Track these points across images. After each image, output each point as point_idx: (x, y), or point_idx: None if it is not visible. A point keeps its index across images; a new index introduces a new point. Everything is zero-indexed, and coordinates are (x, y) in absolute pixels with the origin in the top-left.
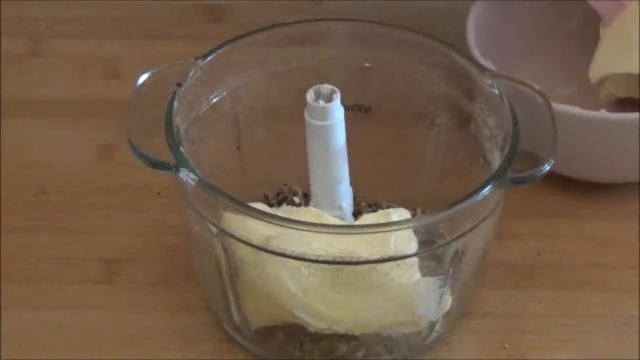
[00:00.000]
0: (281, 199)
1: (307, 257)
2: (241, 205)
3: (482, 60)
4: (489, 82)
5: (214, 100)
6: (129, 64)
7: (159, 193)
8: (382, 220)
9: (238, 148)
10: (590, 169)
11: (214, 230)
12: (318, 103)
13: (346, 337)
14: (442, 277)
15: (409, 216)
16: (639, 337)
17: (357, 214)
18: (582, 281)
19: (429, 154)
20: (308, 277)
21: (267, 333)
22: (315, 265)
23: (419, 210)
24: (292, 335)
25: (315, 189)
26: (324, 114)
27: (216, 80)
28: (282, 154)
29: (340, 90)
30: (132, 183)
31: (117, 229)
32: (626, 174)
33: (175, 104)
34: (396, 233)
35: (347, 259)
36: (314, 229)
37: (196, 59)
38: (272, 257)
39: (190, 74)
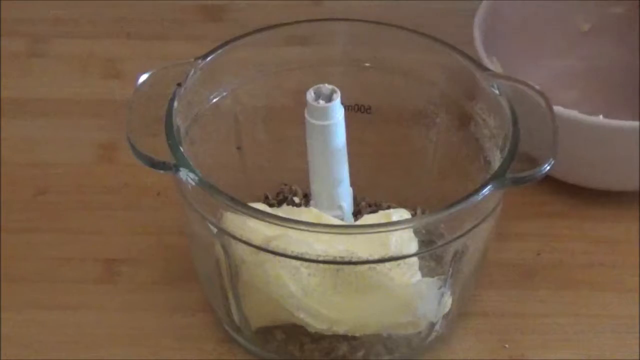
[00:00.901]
0: (281, 199)
1: (307, 257)
2: (241, 205)
3: (487, 60)
4: (489, 82)
5: (214, 100)
6: (129, 64)
7: (159, 193)
8: (382, 221)
9: (238, 148)
10: (588, 176)
11: (214, 230)
12: (318, 103)
13: (346, 337)
14: (442, 277)
15: (409, 216)
16: (639, 337)
17: (357, 214)
18: (582, 281)
19: (429, 154)
20: (308, 277)
21: (267, 333)
22: (315, 265)
23: (419, 210)
24: (292, 335)
25: (316, 189)
26: (324, 114)
27: (216, 80)
28: (282, 154)
29: (340, 90)
30: (132, 183)
31: (117, 229)
32: (625, 183)
33: (175, 104)
34: (396, 233)
35: (347, 259)
36: (315, 229)
37: (196, 59)
38: (272, 257)
39: (190, 74)
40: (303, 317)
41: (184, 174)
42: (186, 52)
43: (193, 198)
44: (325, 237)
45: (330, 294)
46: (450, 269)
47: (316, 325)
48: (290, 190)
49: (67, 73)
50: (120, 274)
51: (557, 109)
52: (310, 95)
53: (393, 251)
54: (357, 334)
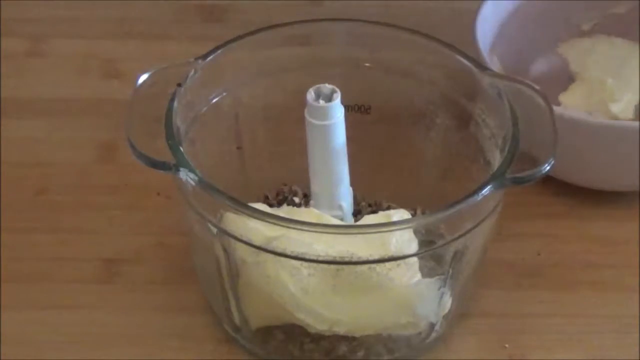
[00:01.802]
0: (281, 199)
1: (307, 257)
2: (242, 206)
3: (487, 60)
4: (489, 82)
5: (214, 100)
6: (129, 64)
7: (159, 193)
8: (382, 221)
9: (238, 148)
10: (588, 176)
11: (214, 230)
12: (318, 103)
13: (346, 337)
14: (442, 277)
15: (409, 217)
16: (639, 337)
17: (357, 214)
18: (582, 281)
19: (429, 154)
20: (308, 277)
21: (267, 333)
22: (315, 265)
23: (419, 210)
24: (292, 335)
25: (316, 189)
26: (324, 114)
27: (216, 80)
28: (282, 154)
29: (340, 90)
30: (132, 183)
31: (117, 229)
32: (625, 183)
33: (175, 104)
34: (396, 233)
35: (347, 259)
36: (315, 229)
37: (196, 59)
38: (273, 257)
39: (190, 74)
40: (303, 317)
41: (184, 174)
42: (186, 52)
43: (193, 198)
44: (325, 237)
45: (330, 294)
46: (450, 269)
47: (316, 325)
48: (290, 190)
49: (66, 73)
50: (120, 274)
51: (557, 109)
52: (310, 95)
53: (393, 251)
54: (357, 334)
